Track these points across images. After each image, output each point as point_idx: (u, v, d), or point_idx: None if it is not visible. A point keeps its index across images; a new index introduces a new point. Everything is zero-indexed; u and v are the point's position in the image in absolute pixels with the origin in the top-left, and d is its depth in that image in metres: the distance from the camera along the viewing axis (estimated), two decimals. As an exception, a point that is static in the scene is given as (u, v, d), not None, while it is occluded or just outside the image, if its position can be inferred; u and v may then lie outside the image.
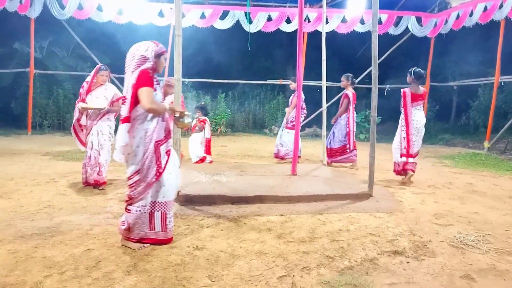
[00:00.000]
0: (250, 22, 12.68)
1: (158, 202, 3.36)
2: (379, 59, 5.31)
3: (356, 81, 8.36)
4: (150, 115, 3.26)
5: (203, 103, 7.49)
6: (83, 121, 5.51)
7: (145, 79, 3.19)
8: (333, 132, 7.94)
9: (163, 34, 13.04)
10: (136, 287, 2.63)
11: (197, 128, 7.89)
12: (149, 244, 3.34)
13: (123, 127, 3.23)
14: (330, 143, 7.93)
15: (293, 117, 7.61)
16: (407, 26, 13.41)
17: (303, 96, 7.45)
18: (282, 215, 4.37)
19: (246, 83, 16.01)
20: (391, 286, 2.76)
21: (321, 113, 8.31)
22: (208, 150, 7.95)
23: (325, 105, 7.91)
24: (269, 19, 13.04)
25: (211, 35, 14.39)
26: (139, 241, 3.32)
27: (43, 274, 2.77)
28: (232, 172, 6.30)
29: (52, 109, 13.96)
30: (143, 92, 3.16)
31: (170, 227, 3.42)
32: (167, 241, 3.40)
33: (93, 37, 13.94)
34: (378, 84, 5.34)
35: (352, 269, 3.02)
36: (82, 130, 5.56)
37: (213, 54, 15.64)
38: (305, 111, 8.30)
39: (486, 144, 11.15)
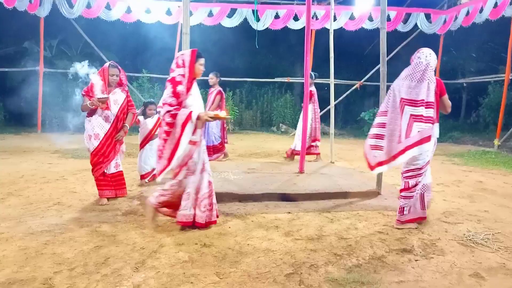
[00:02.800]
0: (258, 19, 12.64)
1: (425, 184, 4.03)
2: (387, 56, 5.27)
3: (363, 80, 8.39)
4: None
5: (152, 100, 6.23)
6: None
7: (443, 86, 3.93)
8: (208, 130, 7.71)
9: (171, 33, 13.07)
10: (145, 283, 2.65)
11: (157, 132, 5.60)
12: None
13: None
14: (207, 141, 7.61)
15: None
16: (416, 23, 13.29)
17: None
18: (289, 212, 4.37)
19: (253, 81, 16.00)
20: (399, 284, 2.75)
21: (329, 110, 8.28)
22: None
23: (333, 102, 7.87)
24: (277, 16, 13.01)
25: (218, 33, 14.39)
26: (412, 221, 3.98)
27: (53, 270, 2.80)
28: (239, 170, 6.30)
29: (61, 107, 14.05)
30: (447, 98, 3.95)
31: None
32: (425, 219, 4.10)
33: (101, 35, 14.02)
34: (387, 82, 5.30)
35: (360, 267, 3.01)
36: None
37: (221, 52, 15.66)
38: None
39: (496, 142, 11.02)
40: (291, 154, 8.00)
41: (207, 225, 3.77)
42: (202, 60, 3.82)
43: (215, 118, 3.83)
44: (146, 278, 2.73)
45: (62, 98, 14.04)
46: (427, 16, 13.35)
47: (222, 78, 14.70)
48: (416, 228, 3.94)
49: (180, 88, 3.67)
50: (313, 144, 7.89)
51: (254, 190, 4.95)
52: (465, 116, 16.68)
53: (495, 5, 10.90)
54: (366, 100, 18.83)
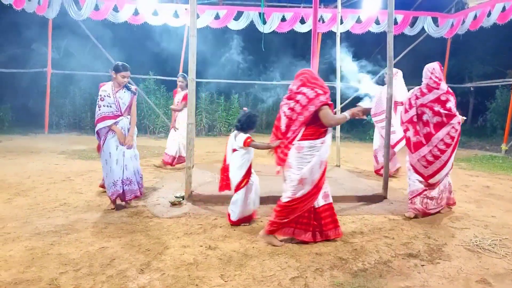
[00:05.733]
0: (264, 22, 12.68)
1: None
2: (394, 59, 5.25)
3: (376, 81, 8.16)
4: None
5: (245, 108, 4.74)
6: None
7: None
8: None
9: (178, 35, 13.13)
10: (150, 285, 2.65)
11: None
12: None
13: None
14: None
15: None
16: (423, 27, 13.23)
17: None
18: (295, 216, 4.35)
19: (259, 83, 16.03)
20: (405, 289, 2.73)
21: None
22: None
23: (339, 105, 7.86)
24: (283, 19, 13.02)
25: (225, 36, 14.44)
26: None
27: (59, 271, 2.81)
28: (245, 172, 6.28)
29: (68, 108, 14.19)
30: None
31: None
32: None
33: (109, 37, 14.12)
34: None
35: (365, 271, 2.99)
36: None
37: (227, 55, 15.69)
38: None
39: (503, 146, 10.93)
40: (172, 162, 7.06)
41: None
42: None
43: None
44: (151, 279, 2.73)
45: (69, 100, 14.17)
46: (434, 20, 13.28)
47: (229, 81, 14.87)
48: None
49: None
50: None
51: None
52: (472, 121, 16.59)
53: (503, 9, 10.83)
54: (372, 104, 18.74)
